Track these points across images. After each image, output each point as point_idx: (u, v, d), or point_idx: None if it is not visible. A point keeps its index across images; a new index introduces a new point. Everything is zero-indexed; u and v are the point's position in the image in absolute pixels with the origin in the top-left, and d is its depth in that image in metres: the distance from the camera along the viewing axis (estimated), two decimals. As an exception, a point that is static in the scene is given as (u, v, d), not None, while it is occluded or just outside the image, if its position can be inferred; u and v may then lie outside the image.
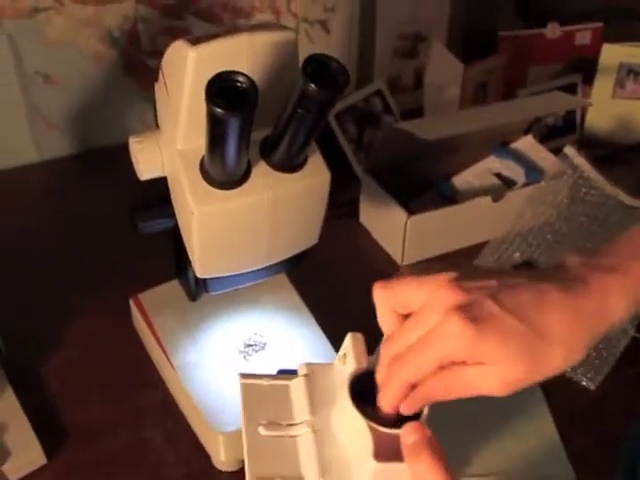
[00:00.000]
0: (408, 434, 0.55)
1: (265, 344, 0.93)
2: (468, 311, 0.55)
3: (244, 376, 0.65)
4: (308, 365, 0.64)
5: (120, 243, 1.10)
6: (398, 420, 0.58)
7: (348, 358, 0.61)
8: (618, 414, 0.94)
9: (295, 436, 0.60)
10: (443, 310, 0.56)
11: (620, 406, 0.95)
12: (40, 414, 0.89)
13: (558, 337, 0.57)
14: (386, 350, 0.59)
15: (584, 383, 0.96)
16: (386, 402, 0.58)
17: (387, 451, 0.55)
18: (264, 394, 0.63)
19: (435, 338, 0.56)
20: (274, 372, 0.68)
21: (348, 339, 0.62)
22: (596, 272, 0.61)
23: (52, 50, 1.25)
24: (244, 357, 0.91)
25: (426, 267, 0.62)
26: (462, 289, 0.57)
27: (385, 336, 0.62)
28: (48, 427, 0.88)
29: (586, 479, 0.86)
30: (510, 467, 0.66)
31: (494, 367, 0.56)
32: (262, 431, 0.61)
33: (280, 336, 0.94)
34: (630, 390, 0.97)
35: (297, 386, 0.63)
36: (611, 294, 0.59)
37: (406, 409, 0.58)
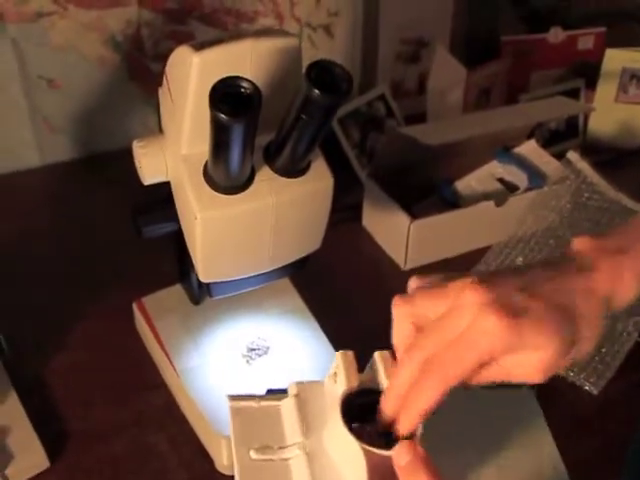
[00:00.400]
0: (401, 454, 0.56)
1: (268, 348, 0.93)
2: (500, 305, 0.57)
3: (233, 398, 0.64)
4: (298, 384, 0.63)
5: (123, 247, 1.10)
6: (390, 438, 0.58)
7: (339, 377, 0.61)
8: (622, 419, 0.94)
9: (287, 459, 0.60)
10: (475, 309, 0.57)
11: (623, 411, 0.95)
12: (43, 417, 0.89)
13: (583, 318, 0.59)
14: (412, 357, 0.59)
15: (587, 388, 0.96)
16: (421, 405, 0.57)
17: (380, 473, 0.55)
18: (254, 416, 0.62)
19: (474, 336, 0.56)
20: (263, 392, 0.67)
21: (338, 357, 0.62)
22: (606, 254, 0.63)
23: (56, 54, 1.25)
24: (247, 361, 0.92)
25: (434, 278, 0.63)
26: (487, 287, 0.58)
27: (401, 347, 0.62)
28: (51, 431, 0.88)
29: (590, 478, 0.86)
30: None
31: (532, 354, 0.57)
32: (253, 455, 0.60)
33: (283, 340, 0.94)
34: (633, 395, 0.97)
35: (288, 407, 0.62)
36: (621, 275, 0.62)
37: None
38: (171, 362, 0.91)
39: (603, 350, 1.00)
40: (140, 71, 1.32)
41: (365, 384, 0.61)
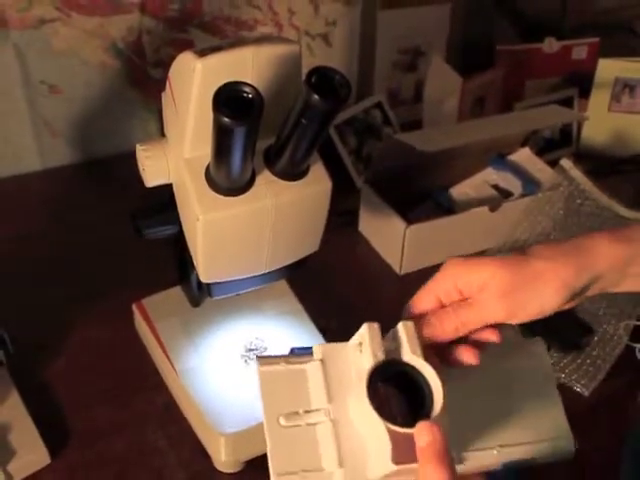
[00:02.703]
0: (421, 434, 0.57)
1: (266, 348, 0.95)
2: None
3: (262, 362, 0.64)
4: (323, 347, 0.64)
5: (123, 250, 1.12)
6: (412, 415, 0.59)
7: (364, 349, 0.62)
8: (612, 419, 0.96)
9: (313, 424, 0.61)
10: None
11: (614, 412, 0.97)
12: (45, 416, 0.91)
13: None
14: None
15: (578, 389, 0.98)
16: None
17: (403, 451, 0.57)
18: (281, 380, 0.63)
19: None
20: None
21: (365, 329, 0.62)
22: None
23: (58, 60, 1.27)
24: (245, 361, 0.93)
25: None
26: None
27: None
28: (52, 429, 0.90)
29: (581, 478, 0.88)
30: (512, 437, 0.67)
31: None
32: (282, 422, 0.61)
33: (281, 341, 0.95)
34: (623, 396, 0.99)
35: (313, 371, 0.63)
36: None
37: None
38: (171, 362, 0.93)
39: (594, 353, 1.02)
40: (141, 77, 1.34)
41: (389, 356, 0.61)
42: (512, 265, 0.64)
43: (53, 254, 1.16)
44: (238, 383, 0.91)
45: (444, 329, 0.64)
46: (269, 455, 0.60)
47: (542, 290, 0.63)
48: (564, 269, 0.64)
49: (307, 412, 0.61)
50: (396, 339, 0.63)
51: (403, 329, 0.62)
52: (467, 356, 0.64)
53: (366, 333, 0.62)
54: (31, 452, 0.87)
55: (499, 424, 0.68)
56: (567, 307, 0.66)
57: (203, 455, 0.89)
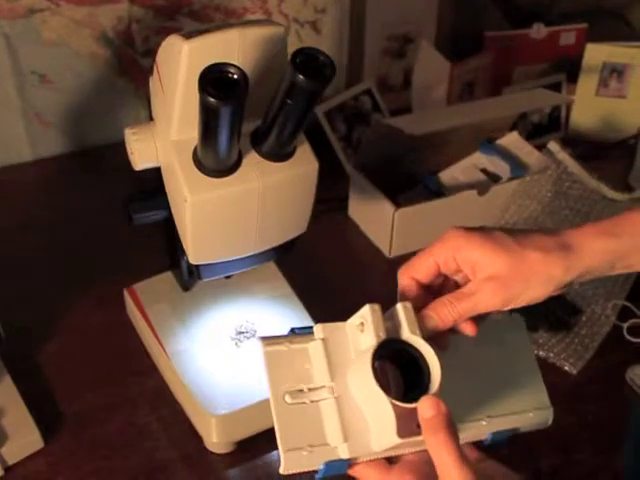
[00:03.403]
0: (425, 408, 0.59)
1: (256, 331, 0.95)
2: None
3: (266, 342, 0.65)
4: (324, 326, 0.66)
5: (114, 237, 1.13)
6: (409, 391, 0.62)
7: (366, 329, 0.64)
8: (599, 397, 0.97)
9: (317, 401, 0.63)
10: None
11: (601, 389, 0.98)
12: (37, 400, 0.91)
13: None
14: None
15: (566, 368, 0.99)
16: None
17: (406, 425, 0.59)
18: (285, 359, 0.65)
19: None
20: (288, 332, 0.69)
21: (367, 310, 0.64)
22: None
23: (48, 50, 1.27)
24: (236, 344, 0.94)
25: None
26: None
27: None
28: (46, 413, 0.91)
29: (568, 453, 0.90)
30: (498, 409, 0.70)
31: None
32: (288, 399, 0.63)
33: (271, 323, 0.96)
34: (611, 375, 1.00)
35: (315, 350, 0.65)
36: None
37: None
38: (162, 346, 0.94)
39: (582, 332, 1.03)
40: (131, 66, 1.34)
41: (389, 336, 0.63)
42: (509, 257, 0.66)
43: (45, 241, 1.17)
44: (229, 365, 0.92)
45: (444, 322, 0.66)
46: (277, 432, 0.62)
47: (534, 283, 0.66)
48: (554, 265, 0.66)
49: (311, 390, 0.63)
50: (394, 319, 0.65)
51: (402, 310, 0.64)
52: (469, 329, 0.67)
53: (369, 314, 0.64)
54: (24, 436, 0.87)
55: (485, 397, 0.70)
56: (556, 294, 0.68)
57: (194, 437, 0.90)
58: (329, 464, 0.61)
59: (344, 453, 0.61)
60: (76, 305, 1.06)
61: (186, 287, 0.98)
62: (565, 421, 0.92)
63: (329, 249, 1.17)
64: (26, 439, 0.87)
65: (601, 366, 1.00)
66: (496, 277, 0.65)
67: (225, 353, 0.93)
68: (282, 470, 0.61)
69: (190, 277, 0.96)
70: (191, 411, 0.90)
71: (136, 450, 0.89)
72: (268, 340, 0.65)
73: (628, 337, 1.04)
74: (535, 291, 0.66)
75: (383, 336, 0.63)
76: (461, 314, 0.66)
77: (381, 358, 0.62)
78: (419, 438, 0.59)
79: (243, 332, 0.95)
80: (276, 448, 0.87)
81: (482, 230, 0.68)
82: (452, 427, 0.59)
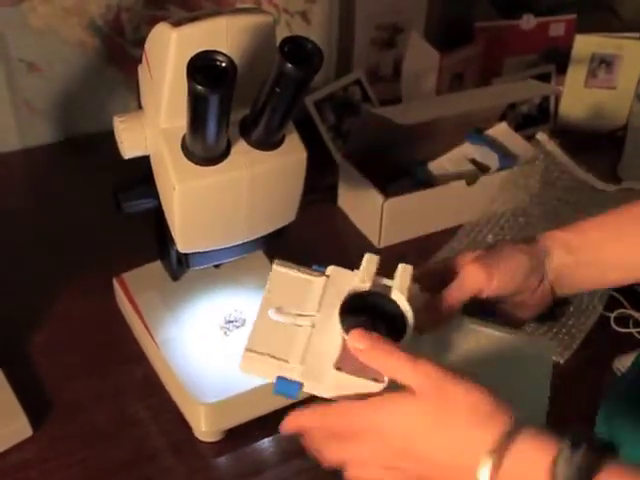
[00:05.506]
0: (355, 338, 0.63)
1: (245, 320, 0.95)
2: None
3: (278, 263, 0.73)
4: (335, 268, 0.72)
5: (103, 227, 1.13)
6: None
7: (358, 274, 0.69)
8: (586, 387, 0.97)
9: (298, 326, 0.68)
10: None
11: (588, 379, 0.99)
12: (26, 389, 0.91)
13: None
14: None
15: (554, 357, 1.00)
16: None
17: (348, 361, 0.63)
18: (288, 282, 0.71)
19: None
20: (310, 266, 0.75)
21: (365, 258, 0.70)
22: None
23: (36, 38, 1.26)
24: (225, 332, 0.94)
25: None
26: None
27: None
28: (34, 401, 0.91)
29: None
30: None
31: None
32: (272, 315, 0.69)
33: (259, 312, 0.96)
34: (597, 364, 1.00)
35: (318, 284, 0.71)
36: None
37: None
38: (151, 334, 0.94)
39: (570, 322, 1.03)
40: (120, 55, 1.34)
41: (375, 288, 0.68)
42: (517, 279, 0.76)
43: (34, 230, 1.17)
44: (217, 354, 0.92)
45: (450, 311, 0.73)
46: (249, 335, 0.68)
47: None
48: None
49: (297, 315, 0.69)
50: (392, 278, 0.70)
51: (400, 270, 0.70)
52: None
53: (364, 262, 0.70)
54: (13, 424, 0.87)
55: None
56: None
57: (183, 425, 0.90)
58: (281, 380, 0.66)
59: (297, 374, 0.65)
60: (65, 294, 1.05)
61: (175, 276, 0.97)
62: (551, 410, 0.92)
63: (318, 239, 1.17)
64: (14, 427, 0.87)
65: (588, 356, 1.01)
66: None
67: (214, 342, 0.93)
68: (240, 366, 0.67)
69: (179, 266, 0.95)
70: (180, 400, 0.91)
71: (125, 438, 0.89)
72: (281, 262, 0.73)
73: (615, 327, 1.05)
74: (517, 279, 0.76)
75: (369, 282, 0.68)
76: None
77: (362, 309, 0.67)
78: (362, 381, 0.62)
79: (232, 321, 0.95)
80: (266, 436, 0.89)
81: (487, 253, 0.76)
82: (390, 347, 0.62)
